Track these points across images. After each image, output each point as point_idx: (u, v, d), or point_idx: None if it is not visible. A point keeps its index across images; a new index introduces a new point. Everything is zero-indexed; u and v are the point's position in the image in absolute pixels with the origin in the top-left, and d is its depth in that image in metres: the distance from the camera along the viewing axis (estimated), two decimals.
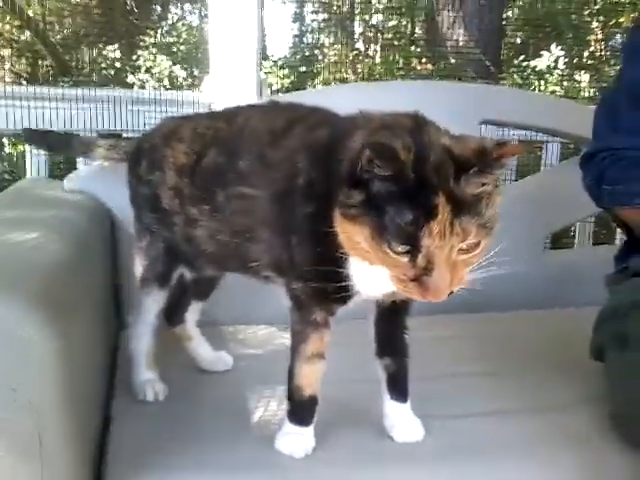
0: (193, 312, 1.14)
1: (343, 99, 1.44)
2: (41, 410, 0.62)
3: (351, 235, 0.70)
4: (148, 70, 4.11)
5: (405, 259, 0.67)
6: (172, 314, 1.11)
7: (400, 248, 0.67)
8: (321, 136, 0.81)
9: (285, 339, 1.34)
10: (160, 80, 4.11)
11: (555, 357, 1.15)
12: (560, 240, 2.55)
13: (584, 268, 1.49)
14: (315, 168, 0.79)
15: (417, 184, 0.66)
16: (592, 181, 1.14)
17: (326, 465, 0.85)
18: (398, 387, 0.92)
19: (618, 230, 1.67)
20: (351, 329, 0.86)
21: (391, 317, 0.90)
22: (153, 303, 1.04)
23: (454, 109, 1.49)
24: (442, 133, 0.72)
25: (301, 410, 0.87)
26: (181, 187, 0.96)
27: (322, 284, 0.79)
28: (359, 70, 4.47)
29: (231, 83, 2.00)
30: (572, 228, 2.30)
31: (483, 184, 0.67)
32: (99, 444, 0.90)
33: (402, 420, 0.91)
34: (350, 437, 0.91)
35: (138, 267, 1.05)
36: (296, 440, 0.86)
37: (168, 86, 4.07)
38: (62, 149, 1.34)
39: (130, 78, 4.09)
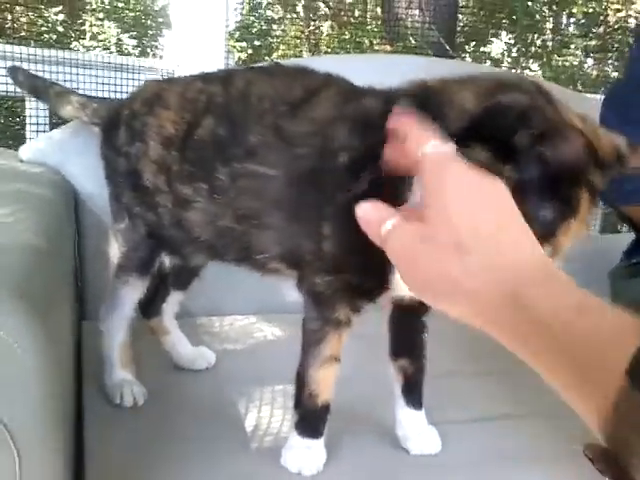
0: (171, 303, 1.01)
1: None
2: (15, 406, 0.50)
3: None
4: (94, 36, 3.86)
5: None
6: (148, 305, 0.98)
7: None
8: (370, 106, 0.70)
9: (265, 331, 1.25)
10: (107, 48, 3.86)
11: None
12: None
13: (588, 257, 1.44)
14: (365, 147, 0.67)
15: (568, 174, 0.57)
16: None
17: None
18: (413, 392, 0.83)
19: None
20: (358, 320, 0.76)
21: (411, 314, 0.80)
22: (131, 293, 0.90)
23: None
24: (571, 112, 0.61)
25: (313, 420, 0.76)
26: (168, 162, 0.82)
27: (358, 278, 0.70)
28: (313, 46, 4.36)
29: (196, 50, 1.87)
30: None
31: None
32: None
33: (418, 430, 0.83)
34: (360, 449, 0.82)
35: (115, 253, 0.91)
36: (305, 455, 0.76)
37: (115, 54, 3.83)
38: (40, 94, 1.16)
39: (74, 44, 3.83)
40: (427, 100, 0.64)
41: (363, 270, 0.70)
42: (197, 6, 1.88)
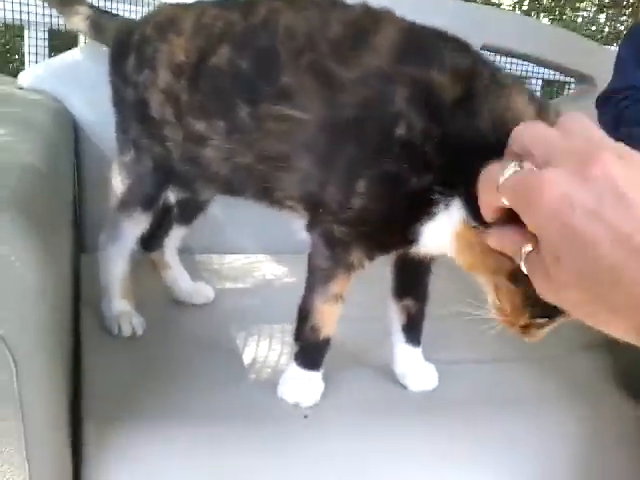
0: (173, 238, 1.00)
1: None
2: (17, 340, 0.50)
3: (484, 274, 0.64)
4: None
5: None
6: (150, 239, 0.96)
7: (541, 320, 0.62)
8: (438, 81, 0.63)
9: (264, 270, 1.25)
10: None
11: None
12: None
13: None
14: (428, 129, 0.63)
15: None
16: (609, 121, 1.07)
17: (332, 415, 0.76)
18: (414, 331, 0.83)
19: None
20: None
21: (418, 259, 0.78)
22: (133, 228, 0.88)
23: (456, 30, 1.37)
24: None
25: (313, 352, 0.76)
26: (177, 92, 0.78)
27: (379, 234, 0.69)
28: None
29: None
30: None
31: None
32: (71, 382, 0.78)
33: (416, 367, 0.83)
34: (358, 383, 0.82)
35: (118, 185, 0.88)
36: (304, 386, 0.76)
37: None
38: None
39: None
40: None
41: (386, 229, 0.69)
42: None
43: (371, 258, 0.72)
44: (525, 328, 0.63)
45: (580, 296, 0.37)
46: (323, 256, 0.72)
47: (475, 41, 1.43)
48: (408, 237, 0.67)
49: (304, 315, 0.75)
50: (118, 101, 0.88)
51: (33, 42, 1.56)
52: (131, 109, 0.85)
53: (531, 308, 0.61)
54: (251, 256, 1.28)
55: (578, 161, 0.37)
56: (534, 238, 0.39)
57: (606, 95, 1.10)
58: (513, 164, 0.40)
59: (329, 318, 0.75)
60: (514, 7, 5.17)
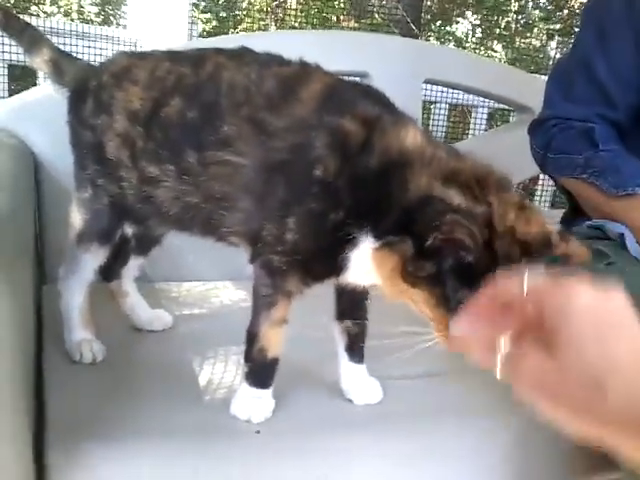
0: (131, 268, 1.05)
1: (286, 46, 1.39)
2: None
3: (402, 291, 0.68)
4: (54, 2, 3.78)
5: None
6: (108, 269, 1.01)
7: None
8: (349, 129, 0.73)
9: (221, 296, 1.30)
10: (68, 14, 3.79)
11: None
12: None
13: None
14: (340, 169, 0.72)
15: (483, 265, 0.62)
16: (539, 148, 1.15)
17: (283, 430, 0.81)
18: (356, 349, 0.89)
19: None
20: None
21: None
22: (91, 260, 0.94)
23: (400, 66, 1.46)
24: (506, 202, 0.66)
25: (262, 372, 0.82)
26: (133, 137, 0.85)
27: (311, 264, 0.76)
28: (279, 19, 4.34)
29: (160, 20, 1.87)
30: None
31: None
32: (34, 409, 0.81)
33: (360, 382, 0.89)
34: (307, 400, 0.88)
35: (77, 220, 0.93)
36: (255, 404, 0.82)
37: (77, 22, 3.76)
38: (15, 35, 1.04)
39: (34, 8, 3.74)
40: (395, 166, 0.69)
41: (317, 259, 0.76)
42: None
43: (307, 285, 0.79)
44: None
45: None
46: (265, 285, 0.79)
47: (419, 75, 1.53)
48: (337, 266, 0.75)
49: (252, 338, 0.81)
50: (76, 141, 0.93)
51: None
52: (88, 150, 0.90)
53: (451, 311, 0.64)
54: (209, 283, 1.33)
55: None
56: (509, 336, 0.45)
57: (536, 123, 1.18)
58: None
59: (274, 340, 0.81)
60: (467, 35, 5.36)
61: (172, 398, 0.86)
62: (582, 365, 0.41)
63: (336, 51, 1.42)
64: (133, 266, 1.05)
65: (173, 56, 0.88)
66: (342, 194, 0.72)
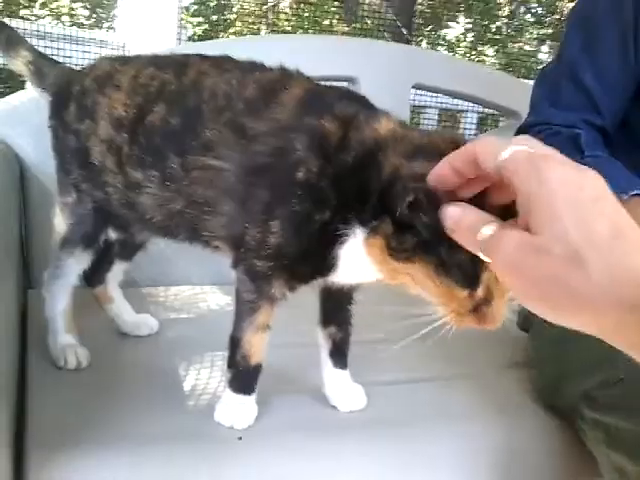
0: (115, 273, 1.04)
1: (274, 51, 1.39)
2: None
3: (401, 272, 0.66)
4: (45, 4, 3.77)
5: (465, 292, 0.64)
6: (92, 274, 1.01)
7: (462, 284, 0.63)
8: (328, 129, 0.72)
9: (209, 301, 1.30)
10: (58, 17, 3.78)
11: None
12: None
13: None
14: (322, 169, 0.71)
15: None
16: None
17: (268, 436, 0.81)
18: (340, 355, 0.89)
19: None
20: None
21: (340, 289, 0.85)
22: (75, 265, 0.93)
23: (389, 71, 1.47)
24: None
25: (245, 378, 0.82)
26: (118, 143, 0.85)
27: (296, 266, 0.76)
28: (271, 23, 4.35)
29: (149, 23, 1.87)
30: None
31: None
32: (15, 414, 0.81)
33: (344, 388, 0.89)
34: (291, 407, 0.88)
35: (60, 225, 0.93)
36: (238, 410, 0.81)
37: (68, 23, 3.76)
38: None
39: (23, 12, 3.73)
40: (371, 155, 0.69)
41: (301, 261, 0.75)
42: None
43: (291, 289, 0.79)
44: (476, 312, 0.65)
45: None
46: (248, 290, 0.79)
47: (407, 80, 1.53)
48: (324, 266, 0.74)
49: (235, 344, 0.81)
50: (58, 146, 0.93)
51: None
52: (72, 155, 0.90)
53: (451, 277, 0.63)
54: (196, 287, 1.33)
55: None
56: (495, 222, 0.45)
57: (522, 129, 1.18)
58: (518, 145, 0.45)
59: (257, 346, 0.81)
60: (458, 40, 5.39)
61: (156, 404, 0.85)
62: (563, 243, 0.40)
63: (324, 56, 1.43)
64: (117, 271, 1.05)
65: (156, 62, 0.88)
66: (326, 193, 0.71)
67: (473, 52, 5.63)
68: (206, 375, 0.96)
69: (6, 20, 1.69)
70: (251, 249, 0.77)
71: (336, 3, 4.79)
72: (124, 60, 0.93)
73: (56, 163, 0.94)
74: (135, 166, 0.83)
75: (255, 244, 0.76)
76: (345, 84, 1.39)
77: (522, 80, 1.85)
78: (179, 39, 1.94)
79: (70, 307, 0.95)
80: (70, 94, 0.90)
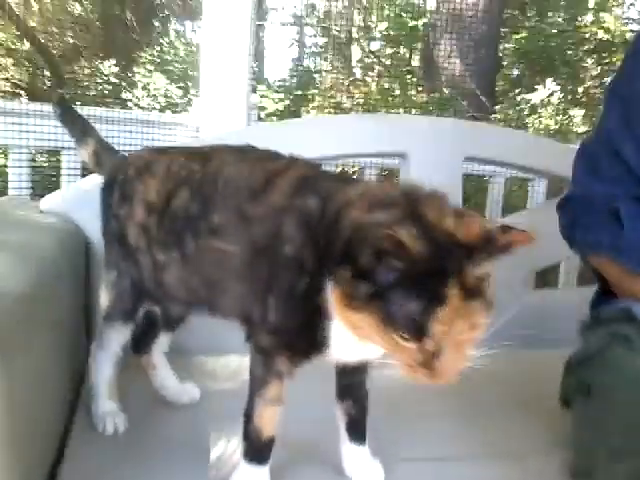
0: (161, 343, 1.12)
1: (330, 130, 1.46)
2: None
3: (355, 322, 0.69)
4: (145, 87, 4.12)
5: (414, 345, 0.66)
6: (139, 343, 1.09)
7: (409, 336, 0.65)
8: (311, 206, 0.78)
9: None
10: (155, 98, 4.12)
11: (527, 400, 1.15)
12: (546, 277, 2.53)
13: (566, 309, 1.48)
14: (305, 242, 0.77)
15: (425, 274, 0.64)
16: (566, 225, 1.15)
17: None
18: (357, 430, 0.91)
19: None
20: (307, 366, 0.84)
21: (352, 364, 0.87)
22: (116, 336, 1.02)
23: (441, 144, 1.50)
24: (440, 211, 0.68)
25: (258, 450, 0.86)
26: (149, 226, 0.94)
27: (295, 341, 0.80)
28: (355, 96, 4.50)
29: (220, 106, 2.00)
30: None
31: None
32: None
33: (362, 462, 0.90)
34: (306, 477, 0.89)
35: (104, 300, 1.03)
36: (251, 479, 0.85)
37: (163, 104, 4.08)
38: (68, 123, 1.14)
39: (126, 94, 4.10)
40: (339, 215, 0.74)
41: (299, 337, 0.79)
42: (222, 61, 2.00)
43: (295, 365, 0.83)
44: (426, 365, 0.66)
45: None
46: (257, 364, 0.84)
47: (458, 153, 1.55)
48: (317, 343, 0.78)
49: (247, 418, 0.85)
50: (105, 227, 1.03)
51: (67, 165, 1.76)
52: (114, 236, 1.00)
53: (398, 328, 0.65)
54: (246, 357, 1.37)
55: None
56: None
57: (563, 201, 1.18)
58: None
59: (268, 420, 0.84)
60: (542, 102, 5.31)
61: (180, 472, 0.90)
62: None
63: (376, 133, 1.49)
64: (162, 341, 1.12)
65: (188, 152, 0.97)
66: (305, 260, 0.76)
67: (561, 115, 5.53)
68: (235, 445, 0.99)
69: (96, 110, 1.87)
70: (256, 325, 0.82)
71: (417, 73, 4.92)
72: (162, 150, 1.04)
73: (104, 243, 1.04)
74: (160, 247, 0.92)
75: (259, 320, 0.81)
76: (396, 161, 1.44)
77: (569, 145, 1.82)
78: (249, 120, 2.06)
79: (114, 375, 1.03)
80: (115, 182, 1.01)
